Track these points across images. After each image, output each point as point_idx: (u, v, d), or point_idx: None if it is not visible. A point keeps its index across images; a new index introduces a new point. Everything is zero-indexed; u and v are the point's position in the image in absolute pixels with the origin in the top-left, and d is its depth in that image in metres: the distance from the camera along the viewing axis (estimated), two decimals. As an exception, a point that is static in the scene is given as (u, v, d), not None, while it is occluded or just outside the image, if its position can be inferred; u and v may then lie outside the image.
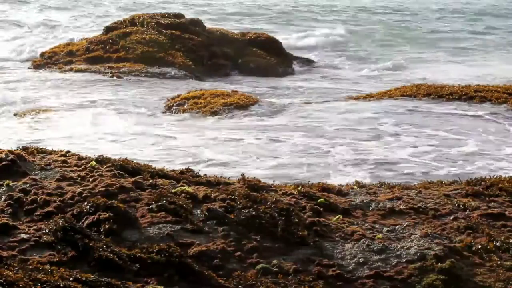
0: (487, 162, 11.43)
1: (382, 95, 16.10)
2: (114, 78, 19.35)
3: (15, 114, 15.13)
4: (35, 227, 6.03)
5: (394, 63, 25.86)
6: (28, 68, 22.55)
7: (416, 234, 6.47)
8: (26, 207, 6.36)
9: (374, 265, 5.97)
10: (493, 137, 12.92)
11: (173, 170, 7.60)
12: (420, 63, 26.77)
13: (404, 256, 6.09)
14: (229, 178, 7.72)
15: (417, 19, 39.97)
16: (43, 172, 7.08)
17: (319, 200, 7.06)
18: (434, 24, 38.18)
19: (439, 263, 5.94)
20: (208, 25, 25.35)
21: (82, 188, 6.69)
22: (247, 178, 7.46)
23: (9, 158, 7.07)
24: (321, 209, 6.89)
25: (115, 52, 21.75)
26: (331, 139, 12.65)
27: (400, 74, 24.11)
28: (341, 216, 6.79)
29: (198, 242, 6.02)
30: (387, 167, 11.08)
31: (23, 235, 5.88)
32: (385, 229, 6.62)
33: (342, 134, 13.02)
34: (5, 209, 6.32)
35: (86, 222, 6.05)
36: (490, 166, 11.18)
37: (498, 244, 6.41)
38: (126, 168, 7.29)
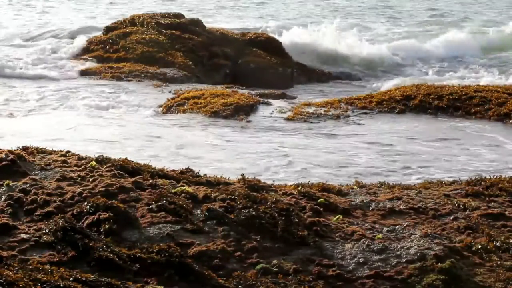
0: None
1: (382, 95, 16.05)
2: (114, 78, 19.33)
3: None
4: (35, 227, 6.03)
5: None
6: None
7: (416, 234, 6.47)
8: (26, 207, 6.36)
9: (374, 265, 5.98)
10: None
11: (173, 170, 7.60)
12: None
13: (404, 256, 6.09)
14: (229, 178, 7.72)
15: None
16: (43, 172, 7.08)
17: (319, 200, 7.07)
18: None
19: (439, 263, 5.94)
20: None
21: (82, 188, 6.69)
22: (247, 178, 7.46)
23: (9, 158, 7.07)
24: (321, 209, 6.89)
25: (115, 52, 21.73)
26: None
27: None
28: (341, 216, 6.80)
29: (198, 242, 6.03)
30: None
31: (23, 235, 5.88)
32: (385, 229, 6.62)
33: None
34: (5, 209, 6.32)
35: (86, 222, 6.05)
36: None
37: (498, 244, 6.41)
38: (126, 168, 7.29)
